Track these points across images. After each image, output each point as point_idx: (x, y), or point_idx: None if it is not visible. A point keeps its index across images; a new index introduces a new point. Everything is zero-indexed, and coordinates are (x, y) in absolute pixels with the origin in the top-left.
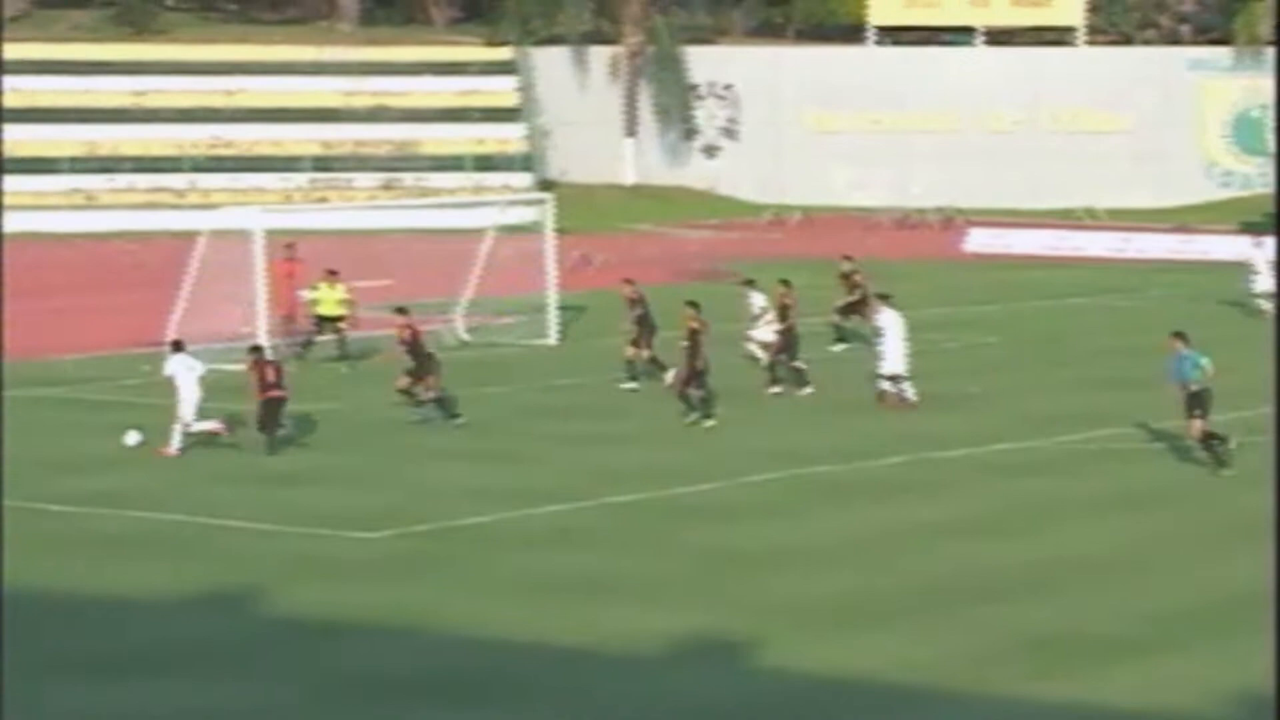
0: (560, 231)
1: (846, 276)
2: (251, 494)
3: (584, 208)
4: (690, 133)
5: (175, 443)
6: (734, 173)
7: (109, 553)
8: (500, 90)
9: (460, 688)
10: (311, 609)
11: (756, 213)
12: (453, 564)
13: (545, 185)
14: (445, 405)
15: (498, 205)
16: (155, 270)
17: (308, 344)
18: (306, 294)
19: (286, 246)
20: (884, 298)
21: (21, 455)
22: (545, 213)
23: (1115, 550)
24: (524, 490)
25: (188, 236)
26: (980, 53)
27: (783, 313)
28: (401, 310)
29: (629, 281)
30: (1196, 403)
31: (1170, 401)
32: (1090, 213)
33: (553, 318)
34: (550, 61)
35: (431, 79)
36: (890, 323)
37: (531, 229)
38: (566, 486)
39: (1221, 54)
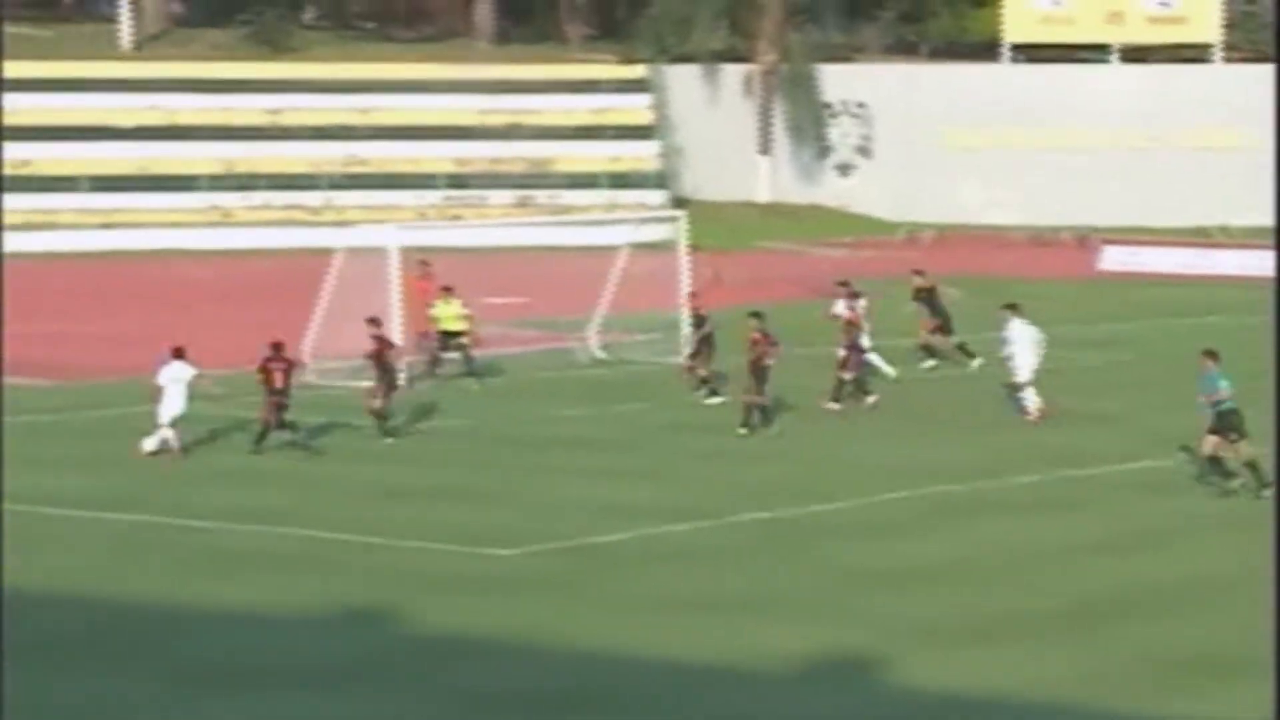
0: (693, 249)
1: (922, 291)
2: (386, 510)
3: (717, 225)
4: (824, 151)
5: (148, 444)
6: (867, 191)
7: (248, 568)
8: (634, 108)
9: (592, 705)
10: (446, 625)
11: (890, 231)
12: (586, 581)
13: (679, 203)
14: (384, 420)
15: (631, 223)
16: (291, 287)
17: (436, 361)
18: (433, 312)
19: (421, 264)
20: (1012, 307)
21: (159, 471)
22: (678, 230)
23: (1249, 570)
24: (657, 507)
25: (323, 254)
26: (1116, 70)
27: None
28: (374, 321)
29: (694, 294)
30: (1222, 422)
31: None
32: (1225, 230)
33: (685, 335)
34: (684, 79)
35: (566, 96)
36: (1018, 333)
37: (665, 246)
38: (699, 504)
39: None
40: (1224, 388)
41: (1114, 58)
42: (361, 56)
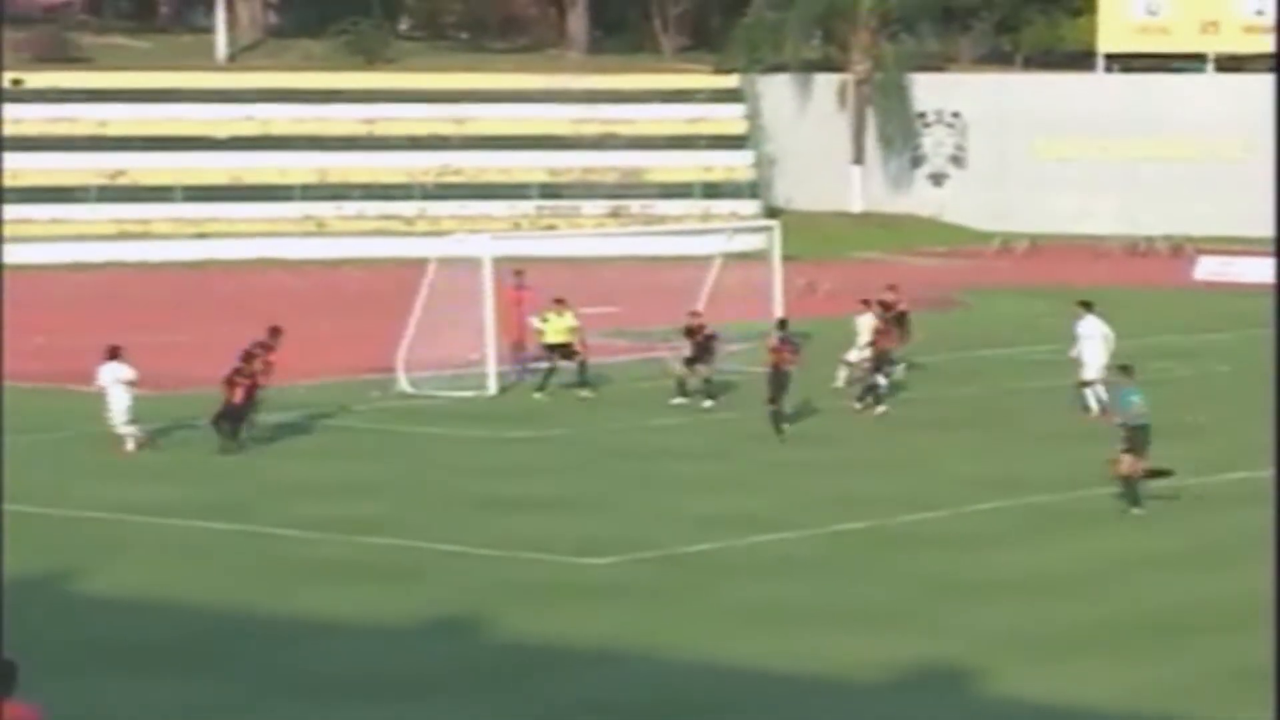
0: (787, 258)
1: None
2: (478, 519)
3: (810, 235)
4: (917, 160)
5: (129, 444)
6: (961, 200)
7: (338, 578)
8: (727, 118)
9: (683, 716)
10: (537, 635)
11: (984, 240)
12: (679, 591)
13: (772, 212)
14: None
15: (724, 232)
16: (385, 297)
17: (549, 373)
18: (535, 323)
19: (515, 274)
20: (1086, 305)
21: (254, 480)
22: (772, 240)
23: None
24: (751, 517)
25: (417, 263)
26: (1211, 80)
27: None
28: (275, 332)
29: (694, 314)
30: (1134, 438)
31: None
32: None
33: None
34: (777, 89)
35: (659, 106)
36: (1090, 330)
37: (758, 256)
38: (793, 514)
39: None
40: (1135, 403)
41: (1209, 67)
42: (455, 67)
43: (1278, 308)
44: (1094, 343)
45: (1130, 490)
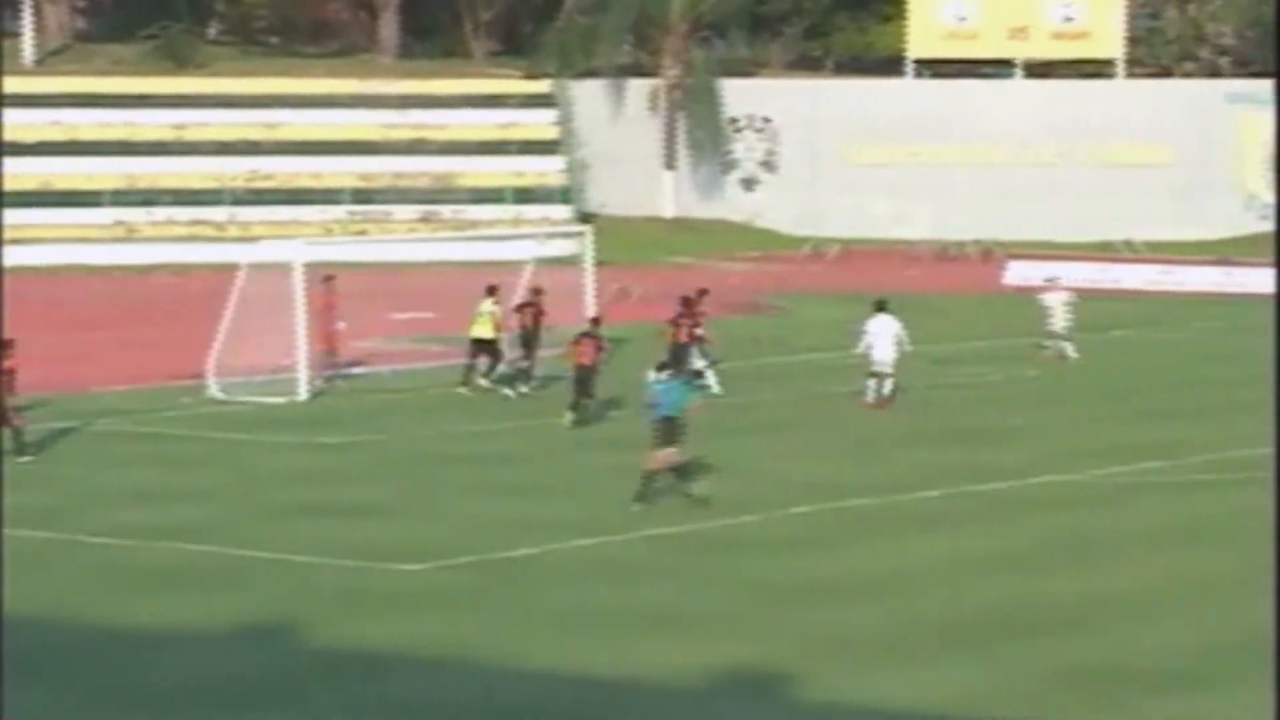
0: (599, 263)
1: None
2: (294, 525)
3: (623, 240)
4: (729, 165)
5: None
6: (773, 205)
7: (151, 585)
8: (539, 123)
9: None
10: (354, 641)
11: (796, 245)
12: (495, 596)
13: (584, 218)
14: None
15: (537, 237)
16: (196, 303)
17: (470, 368)
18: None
19: (325, 279)
20: (880, 306)
21: (64, 487)
22: (584, 245)
23: (1157, 584)
24: (567, 522)
25: (228, 269)
26: (1019, 85)
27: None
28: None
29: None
30: (671, 431)
31: (1212, 434)
32: (1129, 245)
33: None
34: (589, 94)
35: (470, 111)
36: (881, 328)
37: (571, 261)
38: (610, 519)
39: (1261, 87)
40: (675, 396)
41: (1018, 73)
42: (266, 72)
43: (1278, 309)
44: (884, 338)
45: (647, 485)
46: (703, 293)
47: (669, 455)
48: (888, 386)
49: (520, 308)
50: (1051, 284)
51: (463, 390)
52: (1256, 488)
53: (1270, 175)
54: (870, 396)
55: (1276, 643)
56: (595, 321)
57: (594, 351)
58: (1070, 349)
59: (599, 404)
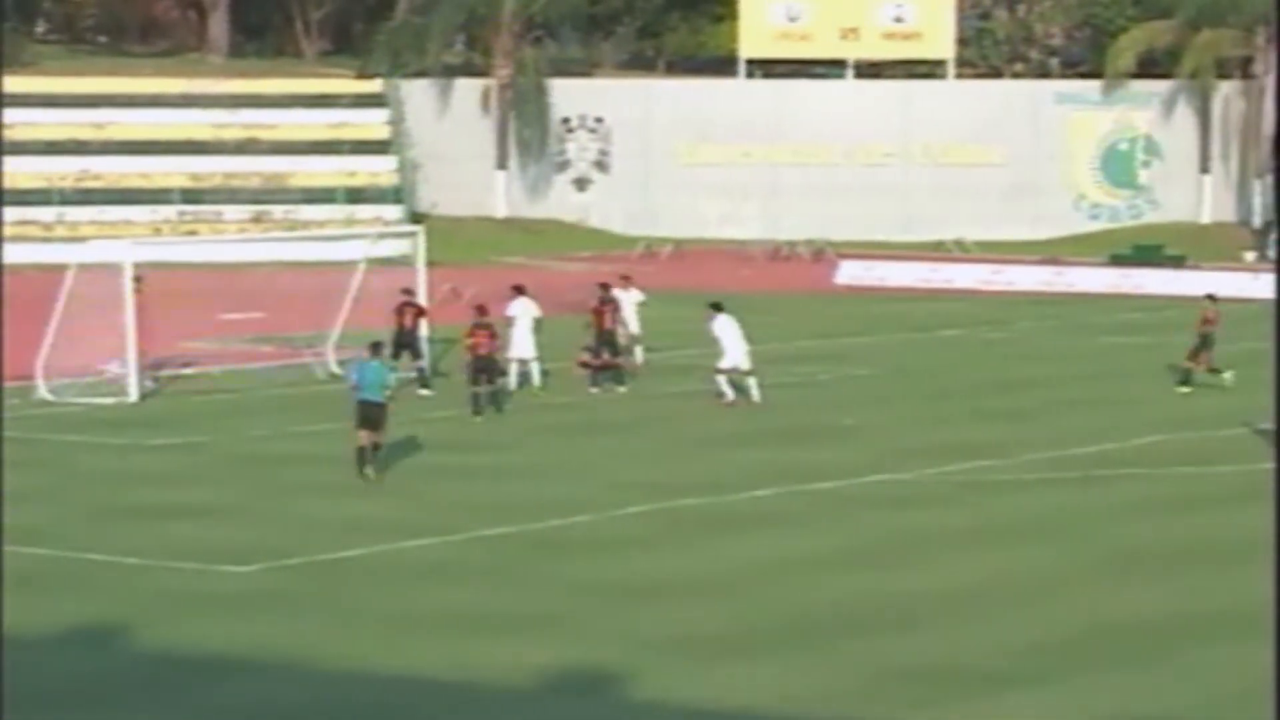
0: (431, 264)
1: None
2: (122, 527)
3: (455, 240)
4: (562, 165)
5: None
6: (606, 205)
7: None
8: (371, 123)
9: None
10: (182, 644)
11: (629, 245)
12: (324, 598)
13: (416, 218)
14: None
15: (368, 238)
16: (23, 304)
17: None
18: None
19: (134, 280)
20: (716, 306)
21: None
22: (416, 245)
23: (986, 582)
24: (395, 524)
25: (56, 269)
26: (851, 86)
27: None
28: None
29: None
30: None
31: (1044, 433)
32: (961, 245)
33: (424, 350)
34: (421, 94)
35: (301, 111)
36: (725, 326)
37: (402, 262)
38: (437, 520)
39: (1090, 87)
40: (391, 380)
41: (849, 73)
42: (94, 71)
43: (1278, 309)
44: (731, 335)
45: (362, 459)
46: (625, 279)
47: (369, 437)
48: (754, 387)
49: (400, 308)
50: (625, 281)
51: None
52: (1086, 486)
53: (1097, 175)
54: (732, 396)
55: (1276, 640)
56: (482, 310)
57: (490, 340)
58: (639, 355)
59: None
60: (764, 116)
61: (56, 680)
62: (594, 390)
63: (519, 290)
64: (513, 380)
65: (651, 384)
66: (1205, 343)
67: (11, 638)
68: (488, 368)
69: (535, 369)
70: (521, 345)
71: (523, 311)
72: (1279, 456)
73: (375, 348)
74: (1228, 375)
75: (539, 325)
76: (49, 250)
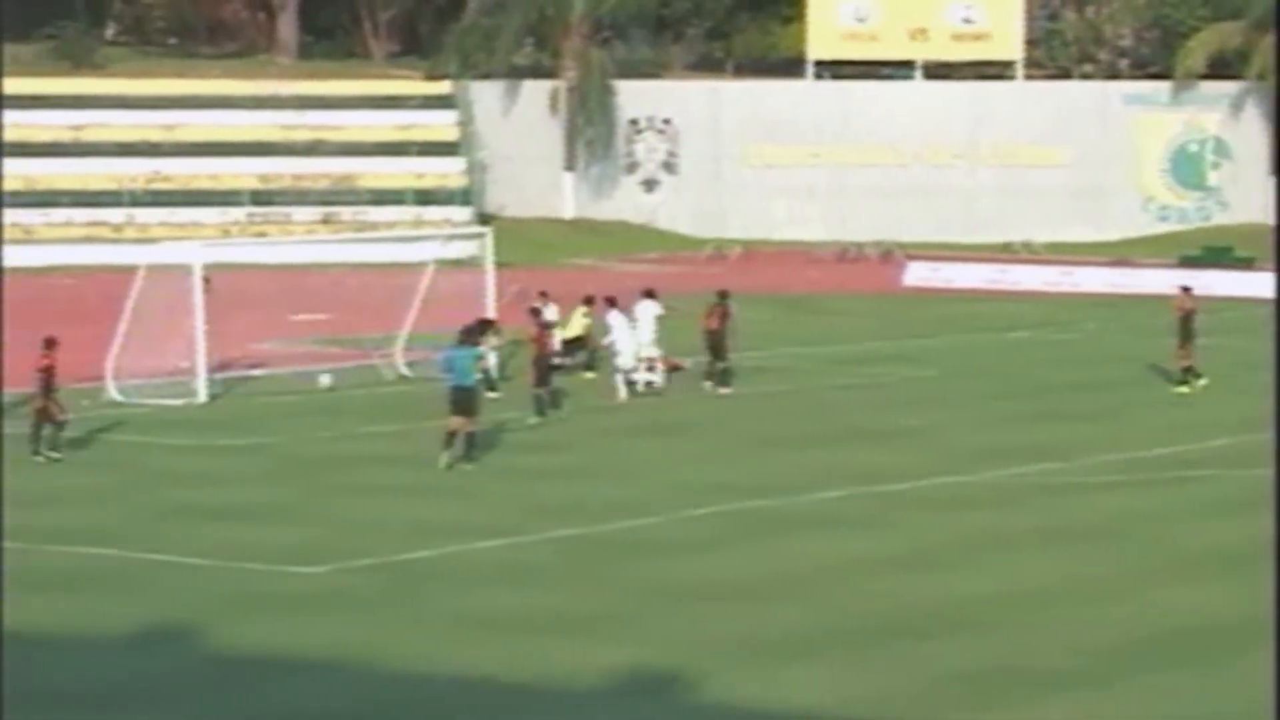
0: (499, 265)
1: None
2: (190, 528)
3: (523, 242)
4: (630, 167)
5: None
6: (673, 207)
7: (47, 588)
8: (439, 124)
9: None
10: (251, 645)
11: (696, 247)
12: (394, 599)
13: (483, 219)
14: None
15: (437, 239)
16: (94, 305)
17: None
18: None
19: (203, 281)
20: (649, 294)
21: None
22: (484, 246)
23: (1051, 585)
24: (465, 525)
25: (126, 271)
26: (920, 87)
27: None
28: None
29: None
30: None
31: (1111, 435)
32: (1028, 246)
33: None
34: (489, 95)
35: (370, 112)
36: (642, 313)
37: (471, 263)
38: (507, 521)
39: (1159, 88)
40: (465, 365)
41: (918, 74)
42: (164, 73)
43: (1278, 310)
44: (644, 324)
45: (448, 445)
46: (723, 295)
47: (463, 423)
48: (658, 375)
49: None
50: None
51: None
52: (1153, 488)
53: (1166, 177)
54: (622, 392)
55: (1276, 640)
56: (536, 311)
57: (550, 339)
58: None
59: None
60: (832, 118)
61: (125, 680)
62: (534, 420)
63: (649, 294)
64: (621, 391)
65: (711, 385)
66: (1187, 334)
67: (80, 638)
68: (545, 368)
69: (660, 371)
70: (648, 345)
71: (648, 315)
72: (1278, 458)
73: (468, 333)
74: (1201, 381)
75: (661, 325)
76: (119, 251)
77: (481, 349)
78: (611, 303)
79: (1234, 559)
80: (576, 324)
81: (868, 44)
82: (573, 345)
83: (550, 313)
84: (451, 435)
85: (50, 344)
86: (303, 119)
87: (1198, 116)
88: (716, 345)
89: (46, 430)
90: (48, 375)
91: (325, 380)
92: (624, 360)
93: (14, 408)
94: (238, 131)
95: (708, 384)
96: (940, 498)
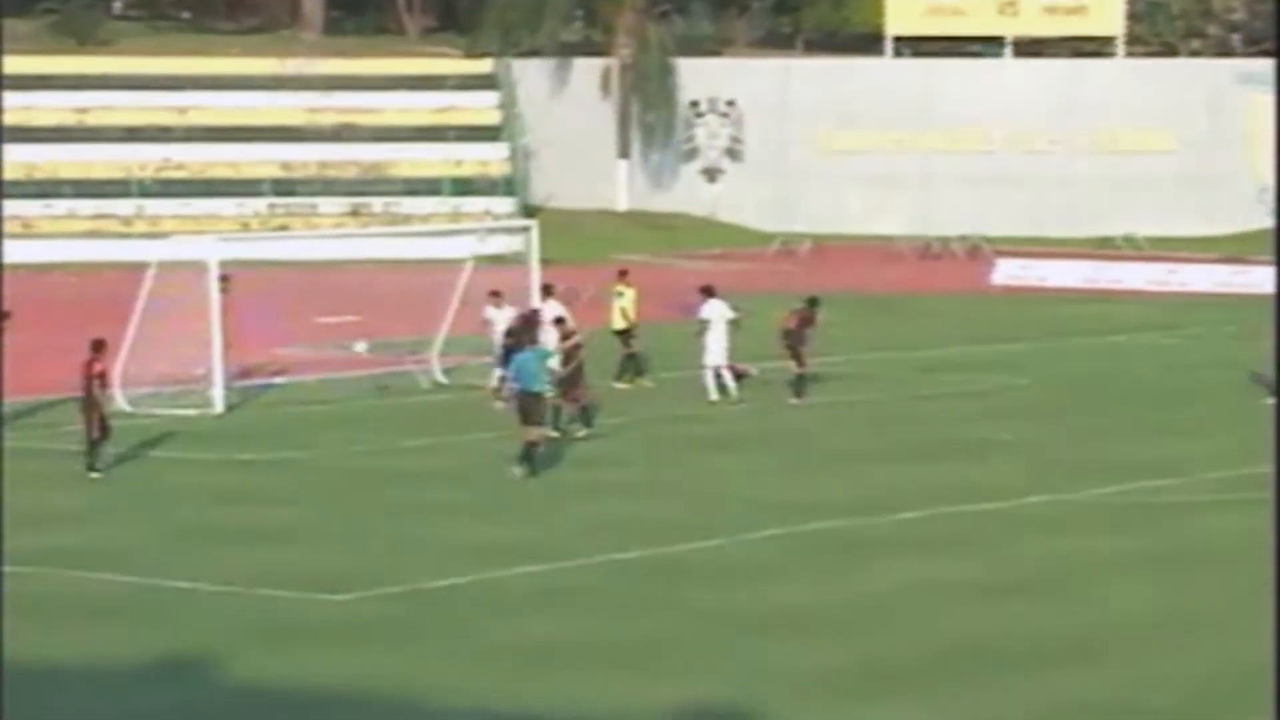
0: (546, 262)
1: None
2: (209, 551)
3: (572, 236)
4: (689, 153)
5: None
6: (737, 197)
7: (58, 616)
8: (480, 106)
9: None
10: (275, 679)
11: (762, 241)
12: (427, 629)
13: (529, 211)
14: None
15: (477, 233)
16: (100, 305)
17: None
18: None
19: (220, 280)
20: (708, 291)
21: None
22: (529, 241)
23: (1157, 614)
24: (508, 547)
25: (136, 268)
26: (1010, 65)
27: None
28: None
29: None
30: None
31: (1220, 449)
32: (1131, 241)
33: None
34: (535, 75)
35: (404, 94)
36: (714, 314)
37: (514, 260)
38: (557, 543)
39: (1275, 66)
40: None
41: (1007, 51)
42: (177, 50)
43: (1278, 311)
44: (717, 326)
45: (526, 456)
46: (813, 302)
47: (537, 434)
48: (730, 381)
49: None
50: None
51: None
52: (1266, 508)
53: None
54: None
55: (1276, 642)
56: (560, 321)
57: (576, 349)
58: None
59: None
60: (913, 99)
61: (140, 715)
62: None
63: (708, 292)
64: (712, 392)
65: (786, 394)
66: None
67: (94, 670)
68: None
69: (729, 377)
70: (715, 351)
71: (716, 315)
72: (1278, 459)
73: (516, 333)
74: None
75: (735, 328)
76: (127, 247)
77: (549, 349)
78: (709, 292)
79: None
80: (617, 312)
81: (952, 18)
82: (625, 335)
83: (551, 309)
84: (531, 446)
85: (99, 347)
86: (329, 101)
87: None
88: (794, 348)
89: (90, 444)
90: (102, 381)
91: (361, 347)
92: (713, 356)
93: (13, 419)
94: (258, 115)
95: (794, 400)
96: (1034, 518)
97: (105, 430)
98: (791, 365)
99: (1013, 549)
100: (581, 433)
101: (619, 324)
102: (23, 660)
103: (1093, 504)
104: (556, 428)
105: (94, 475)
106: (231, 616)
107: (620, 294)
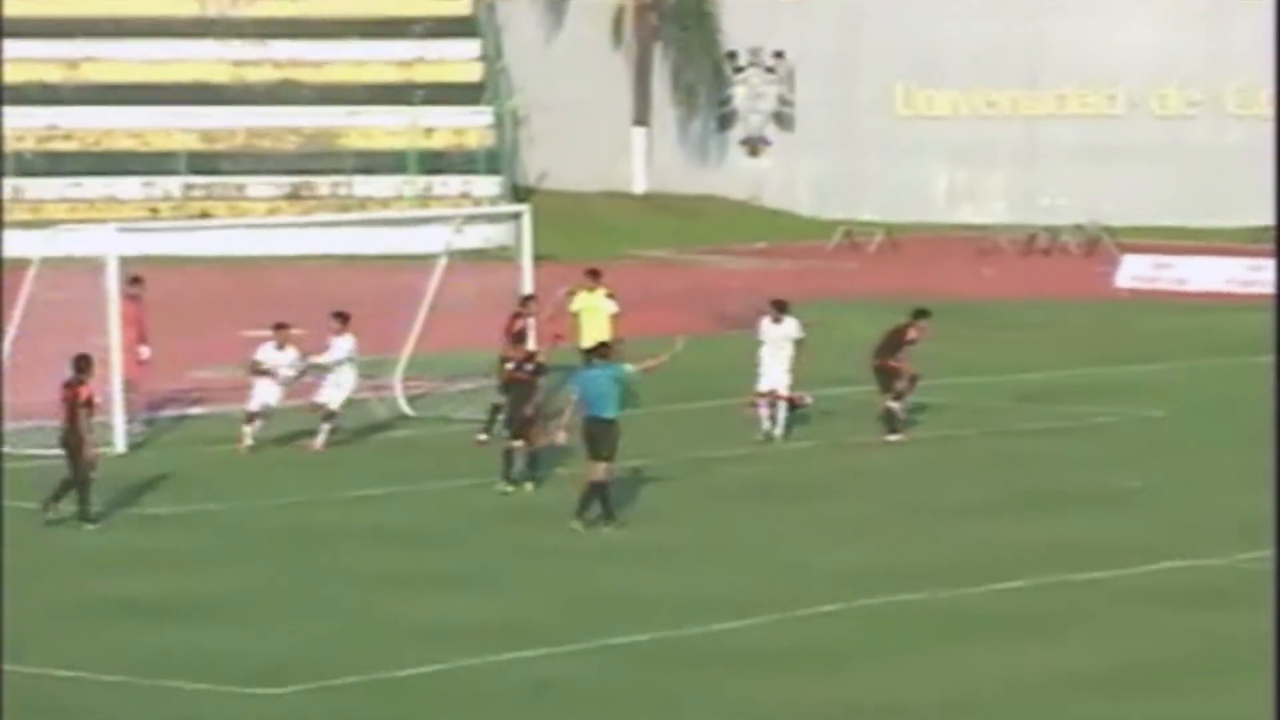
0: (540, 259)
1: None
2: (107, 632)
3: (575, 225)
4: (726, 119)
5: None
6: (787, 176)
7: None
8: (456, 59)
9: None
10: None
11: (820, 233)
12: None
13: (519, 194)
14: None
15: (451, 222)
16: None
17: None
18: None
19: (131, 281)
20: (780, 305)
21: None
22: (520, 232)
23: None
24: (489, 627)
25: (11, 266)
26: (1139, 6)
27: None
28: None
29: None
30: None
31: None
32: None
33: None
34: (527, 20)
35: (359, 43)
36: (776, 335)
37: (500, 255)
38: (545, 622)
39: None
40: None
41: None
42: None
43: (1278, 310)
44: (778, 349)
45: (585, 502)
46: (921, 314)
47: (601, 472)
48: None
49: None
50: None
51: None
52: None
53: None
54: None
55: (1276, 645)
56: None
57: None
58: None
59: None
60: (1014, 50)
61: None
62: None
63: (781, 307)
64: (764, 422)
65: (851, 430)
66: None
67: None
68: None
69: (781, 411)
70: (774, 375)
71: (781, 334)
72: (1278, 460)
73: (596, 350)
74: None
75: (799, 349)
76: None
77: (626, 366)
78: (782, 308)
79: None
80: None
81: None
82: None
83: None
84: (594, 487)
85: (83, 366)
86: (264, 52)
87: None
88: (892, 371)
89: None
90: (88, 408)
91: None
92: (769, 380)
93: None
94: (171, 70)
95: (892, 437)
96: (1170, 589)
97: (92, 468)
98: (884, 397)
99: (1140, 629)
100: (529, 487)
101: (587, 341)
102: None
103: (1244, 572)
104: (508, 479)
105: (89, 528)
106: (142, 716)
107: (578, 300)
